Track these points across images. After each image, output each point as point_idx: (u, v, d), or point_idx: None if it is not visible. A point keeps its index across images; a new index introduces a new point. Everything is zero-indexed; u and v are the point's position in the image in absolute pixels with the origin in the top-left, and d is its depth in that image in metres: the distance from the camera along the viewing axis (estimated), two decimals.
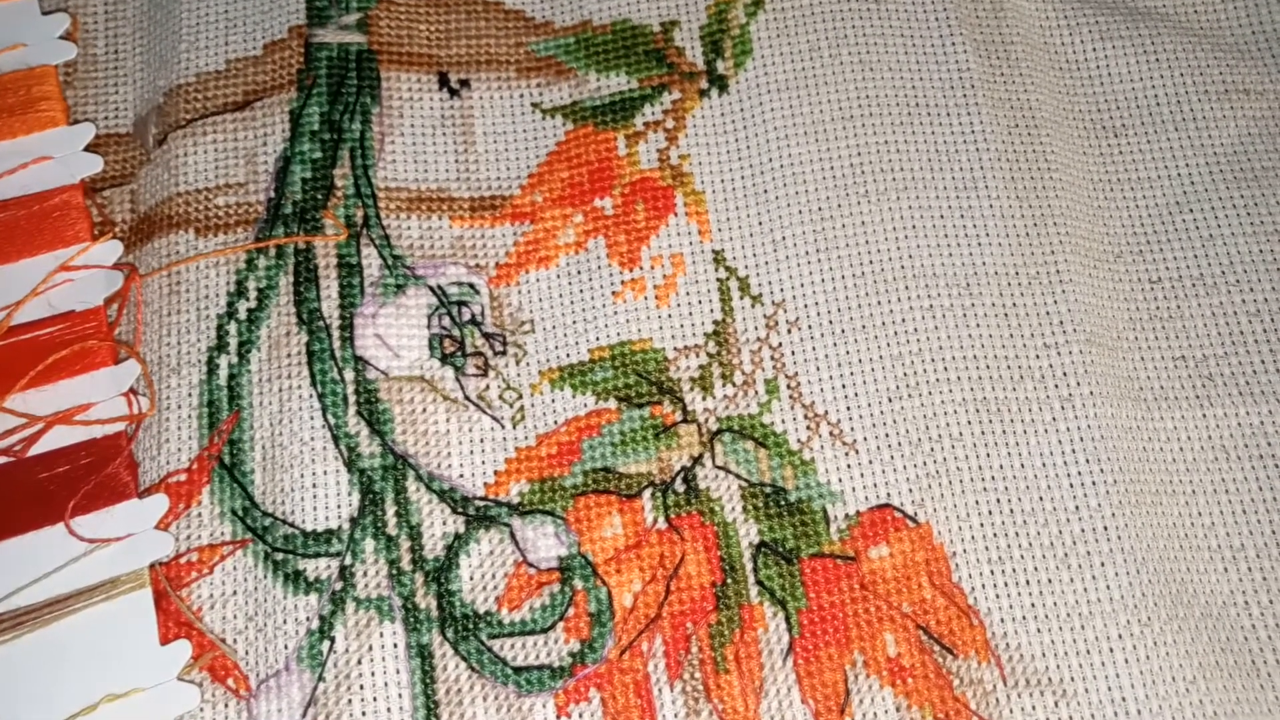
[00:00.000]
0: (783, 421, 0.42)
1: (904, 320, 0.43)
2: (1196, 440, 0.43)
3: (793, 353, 0.43)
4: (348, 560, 0.40)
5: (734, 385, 0.43)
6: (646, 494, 0.41)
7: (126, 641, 0.38)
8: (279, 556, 0.40)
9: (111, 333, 0.42)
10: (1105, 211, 0.46)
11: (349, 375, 0.42)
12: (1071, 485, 0.41)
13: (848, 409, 0.42)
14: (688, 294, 0.44)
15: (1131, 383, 0.43)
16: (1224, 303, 0.44)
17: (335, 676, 0.39)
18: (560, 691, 0.39)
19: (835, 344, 0.43)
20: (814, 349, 0.43)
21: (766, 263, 0.44)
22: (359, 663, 0.39)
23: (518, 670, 0.39)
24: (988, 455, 0.42)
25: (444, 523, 0.41)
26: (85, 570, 0.39)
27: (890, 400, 0.42)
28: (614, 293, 0.44)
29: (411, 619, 0.39)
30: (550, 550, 0.41)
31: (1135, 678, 0.39)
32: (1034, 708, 0.38)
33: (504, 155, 0.46)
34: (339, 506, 0.41)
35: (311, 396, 0.42)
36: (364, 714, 0.38)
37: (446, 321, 0.44)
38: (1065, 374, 0.43)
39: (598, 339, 0.44)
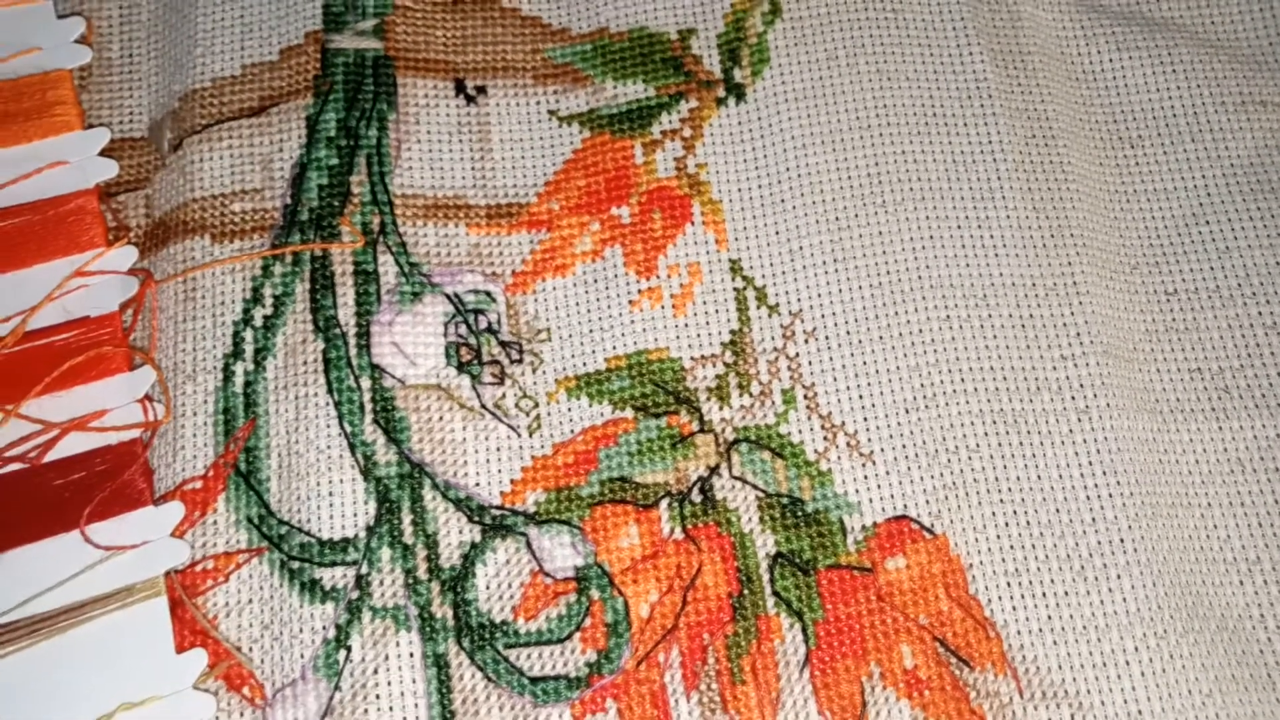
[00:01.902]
0: (800, 432, 0.42)
1: (921, 331, 0.43)
2: (1213, 452, 0.43)
3: (810, 363, 0.43)
4: (364, 569, 0.40)
5: (751, 395, 0.43)
6: (663, 504, 0.41)
7: (142, 650, 0.38)
8: (295, 565, 0.40)
9: (127, 339, 0.42)
10: (1122, 223, 0.46)
11: (365, 383, 0.42)
12: (1088, 497, 0.41)
13: (865, 419, 0.42)
14: (704, 303, 0.44)
15: (1148, 395, 0.43)
16: (1240, 315, 0.44)
17: (351, 686, 0.39)
18: (577, 702, 0.39)
19: (852, 354, 0.43)
20: (831, 359, 0.43)
21: (783, 272, 0.44)
22: (375, 672, 0.39)
23: (534, 680, 0.39)
24: (1005, 466, 0.42)
25: (460, 532, 0.41)
26: (100, 578, 0.38)
27: (907, 411, 0.42)
28: (631, 301, 0.44)
29: (428, 628, 0.39)
30: (567, 560, 0.40)
31: (1151, 690, 0.39)
32: None
33: (521, 163, 0.46)
34: (355, 515, 0.41)
35: (328, 404, 0.42)
36: None
37: (463, 329, 0.43)
38: (1082, 385, 0.43)
39: (614, 348, 0.44)
